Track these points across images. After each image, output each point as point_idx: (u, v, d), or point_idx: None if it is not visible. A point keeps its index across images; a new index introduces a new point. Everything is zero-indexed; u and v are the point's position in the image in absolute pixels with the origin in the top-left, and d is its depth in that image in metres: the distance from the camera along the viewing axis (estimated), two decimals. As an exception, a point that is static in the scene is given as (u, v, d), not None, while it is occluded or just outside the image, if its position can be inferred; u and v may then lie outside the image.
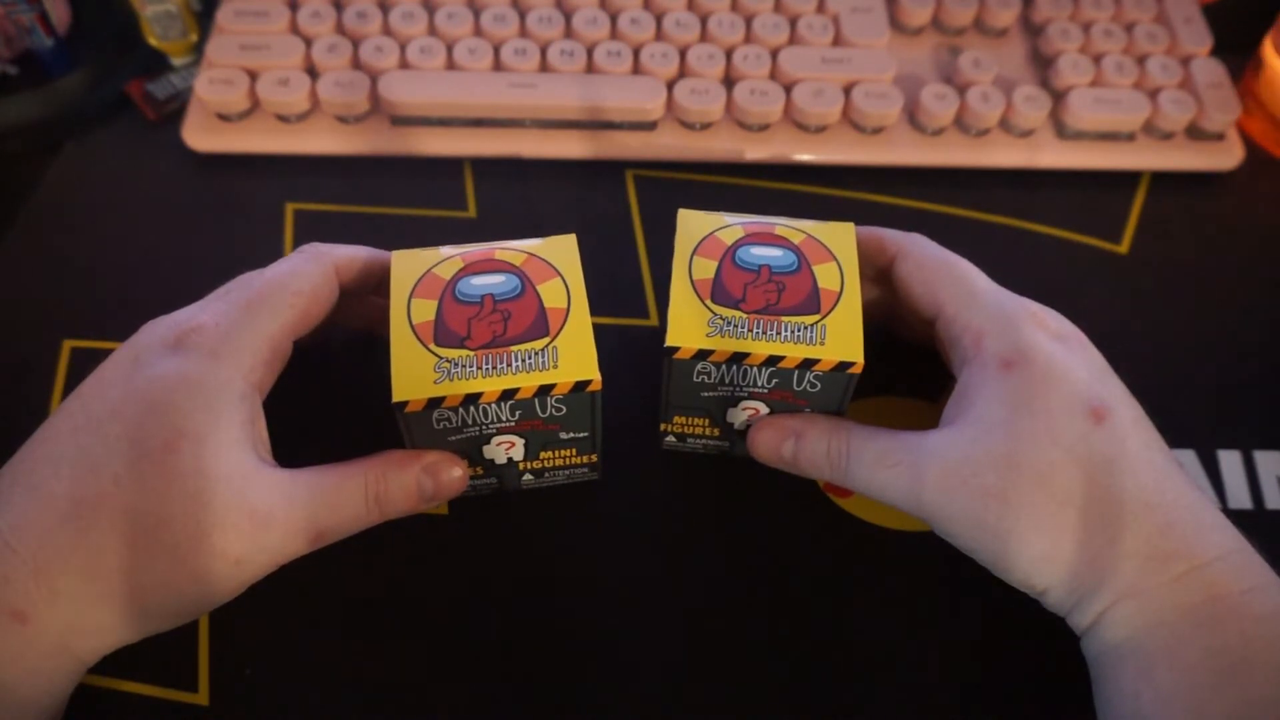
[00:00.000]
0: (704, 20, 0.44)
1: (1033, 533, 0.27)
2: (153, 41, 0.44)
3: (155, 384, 0.26)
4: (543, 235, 0.31)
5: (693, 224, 0.31)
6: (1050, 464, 0.27)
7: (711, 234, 0.31)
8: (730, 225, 0.31)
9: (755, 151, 0.43)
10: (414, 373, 0.27)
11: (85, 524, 0.25)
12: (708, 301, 0.29)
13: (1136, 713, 0.26)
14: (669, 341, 0.28)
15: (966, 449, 0.27)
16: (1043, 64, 0.45)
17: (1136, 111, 0.42)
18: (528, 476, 0.32)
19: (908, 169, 0.43)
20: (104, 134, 0.43)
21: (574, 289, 0.29)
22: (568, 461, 0.32)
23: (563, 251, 0.30)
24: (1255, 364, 0.39)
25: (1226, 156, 0.44)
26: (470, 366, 0.27)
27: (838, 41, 0.44)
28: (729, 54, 0.43)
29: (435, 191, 0.42)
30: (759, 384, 0.30)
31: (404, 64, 0.42)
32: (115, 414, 0.26)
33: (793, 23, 0.44)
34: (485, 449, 0.30)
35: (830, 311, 0.29)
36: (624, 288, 0.39)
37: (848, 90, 0.43)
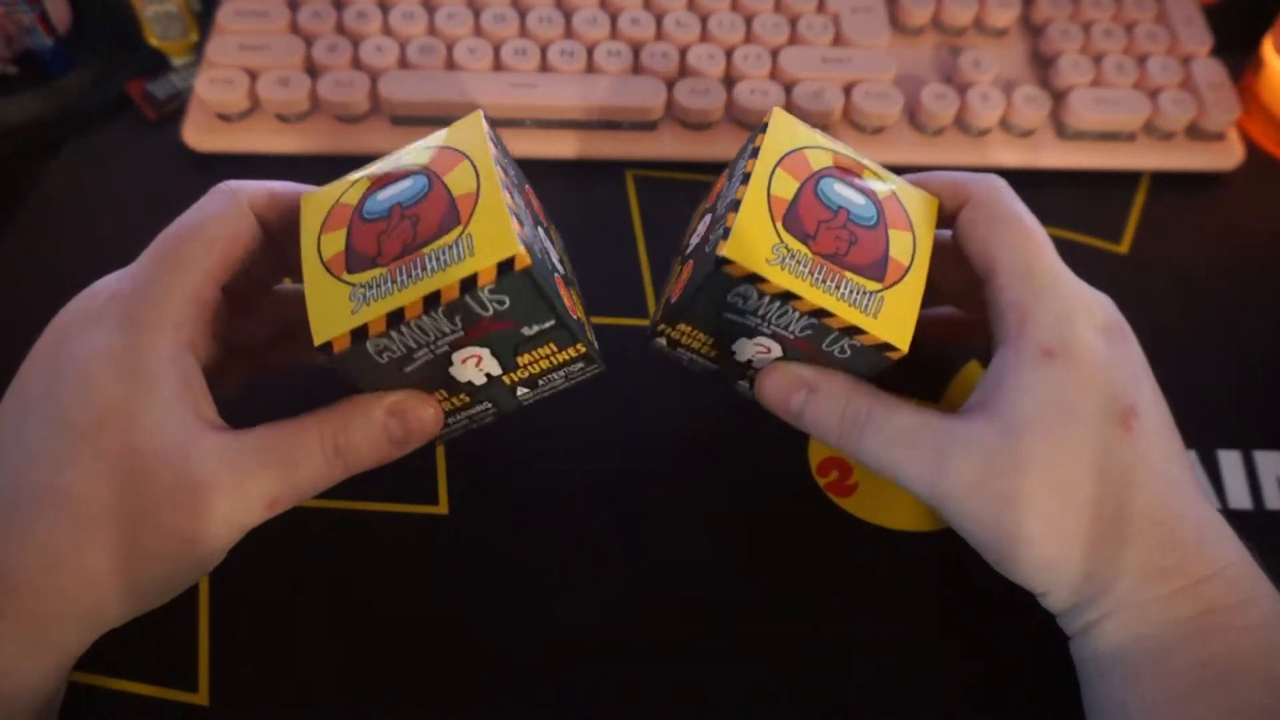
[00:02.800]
0: (704, 20, 0.44)
1: (1044, 539, 0.26)
2: (153, 41, 0.44)
3: (78, 361, 0.25)
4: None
5: (784, 131, 0.28)
6: (1074, 475, 0.26)
7: (801, 149, 0.28)
8: (821, 147, 0.28)
9: (755, 151, 0.42)
10: (330, 310, 0.25)
11: (29, 515, 0.24)
12: (779, 224, 0.26)
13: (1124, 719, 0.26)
14: (725, 252, 0.25)
15: (993, 446, 0.26)
16: (1043, 64, 0.45)
17: (1137, 111, 0.42)
18: (522, 390, 0.29)
19: (908, 169, 0.43)
20: (104, 134, 0.43)
21: (482, 168, 0.25)
22: (554, 361, 0.28)
23: (469, 134, 0.26)
24: (1255, 364, 0.39)
25: (1226, 156, 0.44)
26: (385, 284, 0.24)
27: (838, 41, 0.44)
28: (729, 54, 0.43)
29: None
30: (790, 328, 0.27)
31: (404, 64, 0.42)
32: (46, 395, 0.25)
33: (793, 22, 0.44)
34: (452, 371, 0.27)
35: (894, 285, 0.26)
36: (624, 288, 0.39)
37: (848, 90, 0.43)
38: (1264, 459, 0.36)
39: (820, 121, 0.42)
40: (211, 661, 0.30)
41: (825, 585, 0.33)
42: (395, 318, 0.24)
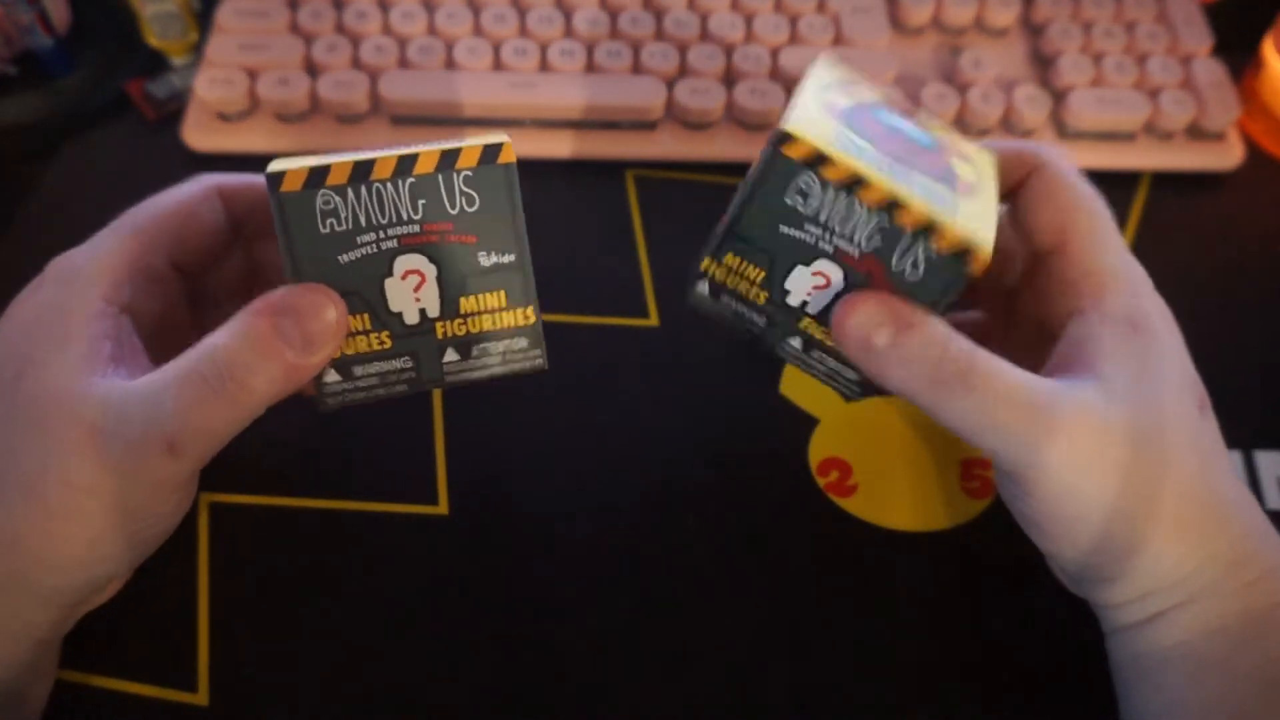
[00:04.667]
0: (704, 20, 0.44)
1: (1121, 519, 0.24)
2: (153, 41, 0.44)
3: (14, 318, 0.26)
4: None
5: (828, 74, 0.26)
6: (1164, 450, 0.24)
7: (850, 83, 0.26)
8: (870, 90, 0.27)
9: (755, 151, 0.42)
10: (299, 163, 0.23)
11: None
12: (838, 123, 0.23)
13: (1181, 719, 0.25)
14: (788, 127, 0.22)
15: (1104, 412, 0.24)
16: (1043, 64, 0.45)
17: (1137, 111, 0.42)
18: (451, 356, 0.26)
19: (908, 169, 0.43)
20: (104, 134, 0.43)
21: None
22: (497, 324, 0.26)
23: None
24: (1255, 364, 0.39)
25: (1226, 156, 0.44)
26: (368, 154, 0.23)
27: (838, 41, 0.44)
28: (729, 53, 0.43)
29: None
30: (856, 235, 0.23)
31: (404, 63, 0.42)
32: None
33: (793, 22, 0.44)
34: (388, 286, 0.24)
35: (967, 195, 0.24)
36: (624, 288, 0.39)
37: (848, 90, 0.43)
38: (1264, 459, 0.36)
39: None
40: (211, 661, 0.30)
41: (825, 585, 0.33)
42: (361, 171, 0.22)
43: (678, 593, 0.32)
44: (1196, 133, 0.44)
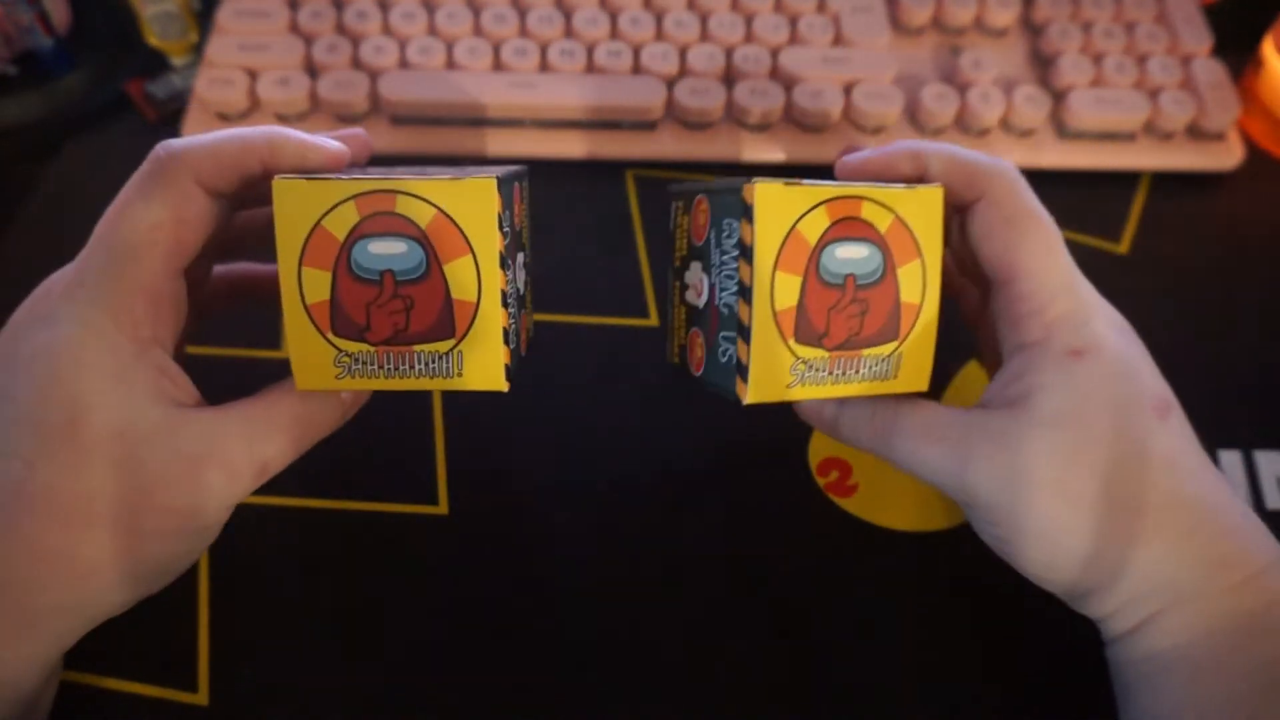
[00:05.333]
0: (704, 20, 0.44)
1: (1086, 530, 0.25)
2: (153, 41, 0.44)
3: (38, 360, 0.24)
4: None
5: (772, 213, 0.26)
6: (1118, 462, 0.25)
7: (794, 227, 0.26)
8: (814, 205, 0.26)
9: (755, 151, 0.42)
10: (314, 361, 0.25)
11: (12, 513, 0.24)
12: (791, 342, 0.26)
13: None
14: (748, 399, 0.26)
15: (1026, 435, 0.25)
16: (1043, 64, 0.45)
17: (1137, 111, 0.42)
18: None
19: (908, 169, 0.43)
20: (104, 134, 0.43)
21: (486, 272, 0.25)
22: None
23: (477, 210, 0.25)
24: (1255, 364, 0.39)
25: (1226, 156, 0.44)
26: (371, 365, 0.25)
27: (838, 41, 0.44)
28: (729, 53, 0.43)
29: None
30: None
31: (404, 64, 0.42)
32: (5, 396, 0.24)
33: (793, 22, 0.44)
34: None
35: (908, 335, 0.27)
36: (624, 288, 0.39)
37: (848, 90, 0.43)
38: (1264, 459, 0.36)
39: (820, 121, 0.42)
40: (211, 661, 0.30)
41: (825, 585, 0.33)
42: (372, 393, 0.26)
43: (678, 592, 0.32)
44: (1196, 133, 0.44)
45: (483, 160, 0.42)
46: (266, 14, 0.42)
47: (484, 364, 0.25)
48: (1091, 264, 0.41)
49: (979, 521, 0.27)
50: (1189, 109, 0.43)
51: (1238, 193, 0.44)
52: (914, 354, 0.27)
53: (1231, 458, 0.36)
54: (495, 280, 0.25)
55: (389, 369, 0.25)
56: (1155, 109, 0.43)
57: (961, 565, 0.29)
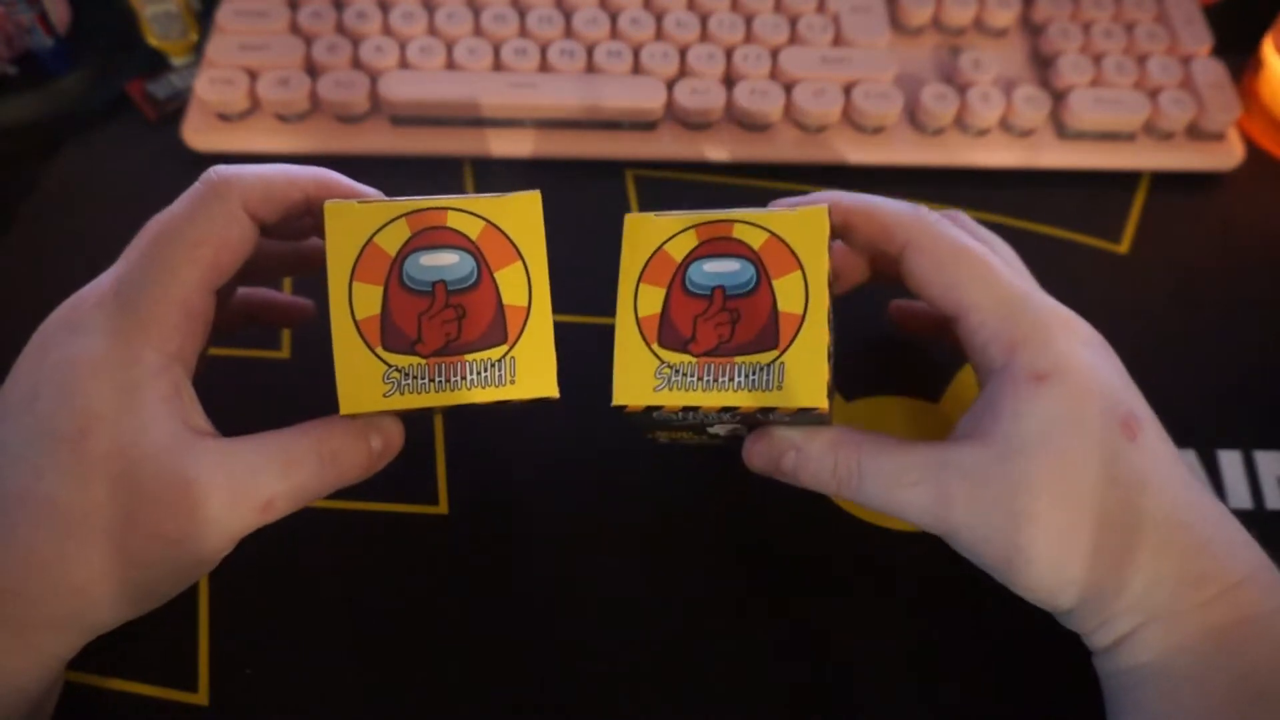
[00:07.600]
0: (704, 20, 0.44)
1: (1067, 556, 0.25)
2: (153, 41, 0.44)
3: (61, 368, 0.24)
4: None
5: (641, 236, 0.28)
6: (1086, 485, 0.25)
7: (661, 248, 0.28)
8: (684, 232, 0.28)
9: (755, 151, 0.42)
10: (361, 381, 0.25)
11: (12, 521, 0.24)
12: (654, 346, 0.27)
13: None
14: (615, 400, 0.27)
15: (1000, 469, 0.26)
16: (1043, 64, 0.45)
17: (1137, 111, 0.42)
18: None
19: (908, 169, 0.43)
20: (104, 134, 0.43)
21: (536, 278, 0.26)
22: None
23: (524, 221, 0.26)
24: (1255, 364, 0.39)
25: (1226, 156, 0.44)
26: (422, 379, 0.25)
27: (838, 41, 0.44)
28: (729, 54, 0.43)
29: (435, 191, 0.42)
30: (723, 420, 0.28)
31: (404, 64, 0.42)
32: (26, 403, 0.24)
33: (793, 22, 0.44)
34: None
35: (790, 344, 0.26)
36: (624, 288, 0.39)
37: (848, 90, 0.43)
38: (1264, 459, 0.36)
39: (820, 121, 0.42)
40: (211, 661, 0.30)
41: (825, 585, 0.33)
42: (423, 410, 0.25)
43: (678, 592, 0.32)
44: (1196, 133, 0.44)
45: (482, 160, 0.42)
46: (266, 14, 0.42)
47: (536, 369, 0.26)
48: (1091, 264, 0.42)
49: (960, 550, 0.28)
50: (1189, 109, 0.43)
51: (1238, 193, 0.44)
52: (803, 366, 0.26)
53: (1231, 458, 0.36)
54: (545, 287, 0.26)
55: (440, 381, 0.25)
56: (1155, 109, 0.43)
57: (962, 565, 0.29)
